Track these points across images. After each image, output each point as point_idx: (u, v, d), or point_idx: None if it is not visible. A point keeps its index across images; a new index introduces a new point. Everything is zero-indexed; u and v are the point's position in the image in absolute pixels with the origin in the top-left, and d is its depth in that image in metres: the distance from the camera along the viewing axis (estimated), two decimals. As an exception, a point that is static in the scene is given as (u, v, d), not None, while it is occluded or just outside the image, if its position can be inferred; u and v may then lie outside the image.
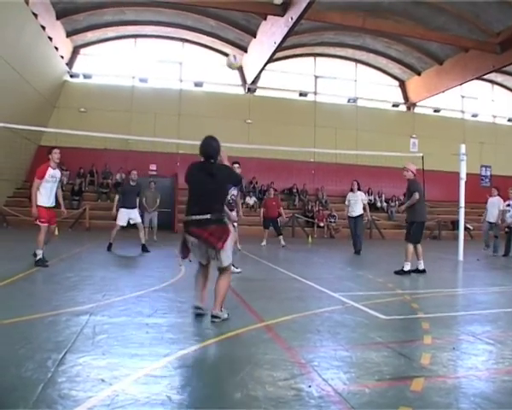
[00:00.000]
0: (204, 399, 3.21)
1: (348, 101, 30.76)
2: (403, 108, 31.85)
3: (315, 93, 30.36)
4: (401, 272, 9.94)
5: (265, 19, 22.47)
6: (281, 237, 17.13)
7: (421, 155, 17.13)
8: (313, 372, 3.74)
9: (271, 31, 22.14)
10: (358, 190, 14.98)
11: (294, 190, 27.38)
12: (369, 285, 8.77)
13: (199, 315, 5.47)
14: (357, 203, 14.75)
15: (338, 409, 3.10)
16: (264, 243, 17.12)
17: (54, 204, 9.77)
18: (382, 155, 20.57)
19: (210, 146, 5.65)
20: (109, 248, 12.77)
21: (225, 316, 5.45)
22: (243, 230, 16.76)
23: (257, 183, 27.35)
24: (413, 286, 8.82)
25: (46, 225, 9.43)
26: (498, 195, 16.02)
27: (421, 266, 10.29)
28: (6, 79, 18.72)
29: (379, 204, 28.34)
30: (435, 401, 3.26)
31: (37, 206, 9.35)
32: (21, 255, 10.44)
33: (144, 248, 12.93)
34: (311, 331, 5.06)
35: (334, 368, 3.88)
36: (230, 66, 7.98)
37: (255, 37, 24.93)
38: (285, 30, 20.41)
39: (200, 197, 5.47)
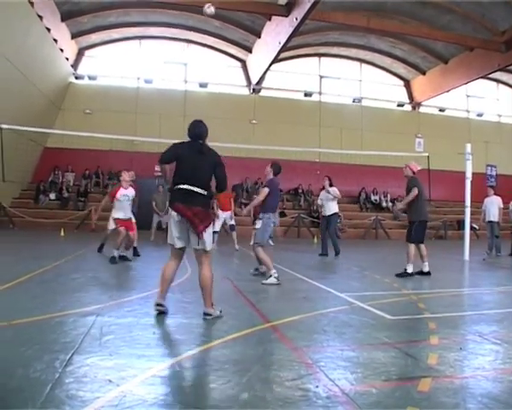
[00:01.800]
0: (211, 400, 3.21)
1: (353, 101, 30.72)
2: (408, 107, 31.79)
3: (320, 93, 30.35)
4: (404, 275, 9.67)
5: (270, 19, 22.48)
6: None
7: (427, 154, 17.13)
8: (320, 373, 3.74)
9: (276, 31, 22.15)
10: (331, 186, 14.04)
11: (300, 191, 27.38)
12: (375, 285, 8.76)
13: (161, 313, 5.46)
14: (329, 201, 13.98)
15: (345, 409, 3.10)
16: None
17: (129, 217, 11.26)
18: (387, 154, 20.53)
19: (199, 127, 5.75)
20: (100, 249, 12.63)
21: (217, 313, 5.45)
22: (248, 231, 16.67)
23: (262, 183, 27.30)
24: (419, 286, 8.78)
25: (124, 228, 10.79)
26: (495, 194, 15.87)
27: (426, 269, 9.96)
28: (12, 81, 18.79)
29: (384, 204, 28.31)
30: (442, 402, 3.25)
31: (114, 218, 11.09)
32: (27, 257, 10.48)
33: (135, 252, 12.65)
34: (318, 332, 5.05)
35: (341, 368, 3.88)
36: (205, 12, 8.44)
37: (260, 37, 24.95)
38: (290, 30, 20.40)
39: (191, 171, 5.47)
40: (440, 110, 31.94)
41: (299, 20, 19.27)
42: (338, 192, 13.93)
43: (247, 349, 4.34)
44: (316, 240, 19.88)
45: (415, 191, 9.73)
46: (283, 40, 21.53)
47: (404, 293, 7.73)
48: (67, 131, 20.85)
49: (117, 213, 11.04)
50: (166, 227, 14.21)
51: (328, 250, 13.66)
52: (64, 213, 22.86)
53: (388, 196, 28.62)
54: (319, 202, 14.63)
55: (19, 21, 17.85)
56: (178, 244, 5.52)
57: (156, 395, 3.21)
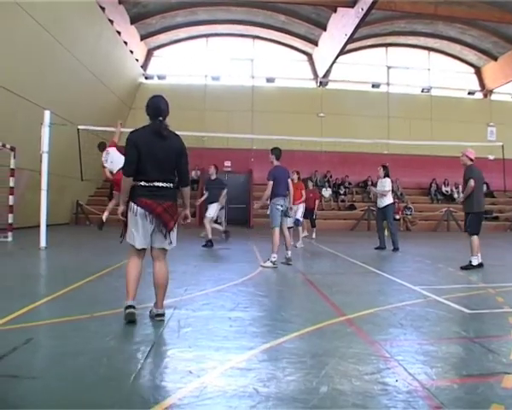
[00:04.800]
0: (290, 392, 3.20)
1: (422, 90, 29.97)
2: (479, 95, 30.66)
3: (387, 84, 29.81)
4: (469, 267, 9.35)
5: (335, 11, 22.26)
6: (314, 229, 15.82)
7: (501, 143, 16.53)
8: (399, 367, 3.68)
9: (342, 23, 21.90)
10: (386, 176, 13.61)
11: (369, 183, 27.02)
12: (450, 278, 8.55)
13: (133, 317, 4.81)
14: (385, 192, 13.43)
15: (427, 405, 3.03)
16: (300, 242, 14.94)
17: None
18: (458, 144, 19.95)
19: (161, 102, 5.09)
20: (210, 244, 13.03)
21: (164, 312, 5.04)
22: (318, 223, 16.56)
23: (331, 176, 27.21)
24: (497, 279, 8.49)
25: None
26: None
27: (475, 262, 9.48)
28: (86, 84, 19.46)
29: (456, 195, 27.48)
30: (529, 399, 3.11)
31: None
32: (105, 252, 10.82)
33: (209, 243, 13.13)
34: (394, 325, 4.98)
35: (420, 363, 3.80)
36: None
37: (325, 30, 24.75)
38: (356, 21, 20.12)
39: (154, 163, 4.80)
40: (514, 97, 30.70)
41: (364, 10, 18.98)
42: (387, 188, 13.40)
43: (323, 342, 4.32)
44: (386, 232, 19.53)
45: (471, 184, 9.38)
46: (349, 32, 21.26)
47: (481, 286, 7.50)
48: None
49: None
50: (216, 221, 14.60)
51: (387, 244, 13.34)
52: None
53: (460, 187, 27.77)
54: (373, 189, 14.21)
55: (91, 26, 18.45)
56: (140, 245, 4.92)
57: (236, 387, 3.24)
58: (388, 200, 13.40)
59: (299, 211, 14.62)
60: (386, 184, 13.43)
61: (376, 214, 14.51)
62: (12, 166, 13.60)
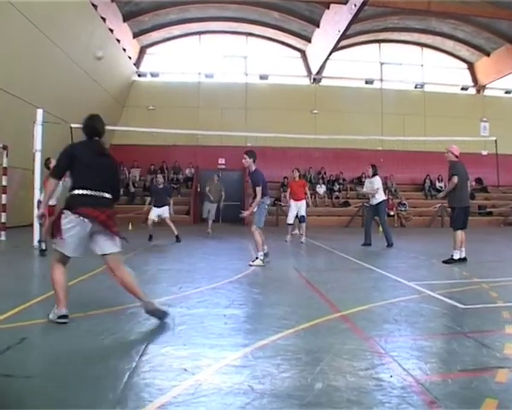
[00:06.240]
0: (285, 389, 3.21)
1: (415, 86, 30.00)
2: (472, 91, 30.73)
3: (381, 80, 29.84)
4: (451, 261, 9.46)
5: (328, 8, 22.28)
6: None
7: (495, 138, 16.59)
8: (393, 362, 3.69)
9: (335, 19, 21.91)
10: (374, 175, 13.49)
11: (363, 180, 26.97)
12: (444, 274, 8.58)
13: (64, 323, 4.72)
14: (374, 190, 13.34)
15: (421, 400, 3.04)
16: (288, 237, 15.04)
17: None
18: (452, 140, 20.00)
19: (99, 122, 5.26)
20: (151, 238, 13.94)
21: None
22: (312, 220, 16.58)
23: (325, 173, 27.22)
24: (490, 274, 8.48)
25: None
26: None
27: (456, 256, 9.58)
28: (78, 82, 19.42)
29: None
30: (523, 393, 3.12)
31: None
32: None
33: (177, 239, 13.90)
34: (389, 321, 4.98)
35: (415, 358, 3.82)
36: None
37: (319, 26, 24.76)
38: (349, 17, 20.14)
39: (94, 174, 4.90)
40: (506, 92, 30.68)
41: (357, 6, 18.99)
42: (376, 186, 13.34)
43: (318, 339, 4.33)
44: (380, 229, 19.56)
45: (454, 180, 9.48)
46: (342, 28, 21.28)
47: (474, 281, 7.50)
48: (132, 128, 21.37)
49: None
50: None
51: (380, 241, 13.40)
52: (131, 207, 23.41)
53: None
54: (364, 189, 14.15)
55: (83, 24, 18.39)
56: (74, 254, 4.89)
57: (231, 384, 3.25)
58: (381, 197, 13.38)
59: (303, 207, 14.68)
60: (374, 183, 13.41)
61: (368, 211, 14.42)
62: (4, 165, 13.59)
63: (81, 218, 4.75)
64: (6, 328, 4.52)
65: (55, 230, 4.77)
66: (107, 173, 5.05)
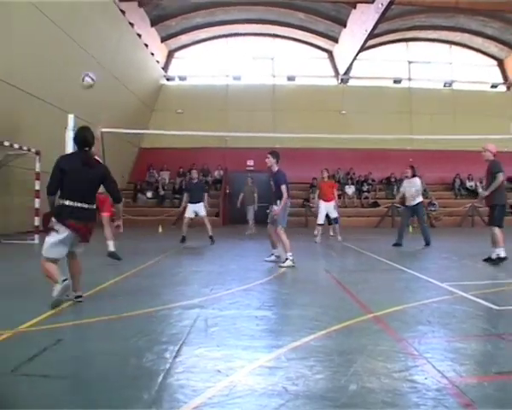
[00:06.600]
0: (319, 390, 3.19)
1: (444, 85, 29.64)
2: (502, 88, 30.27)
3: (409, 79, 29.60)
4: (497, 260, 9.23)
5: (355, 7, 22.22)
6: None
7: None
8: (427, 364, 3.63)
9: (362, 19, 21.83)
10: (413, 176, 13.54)
11: (392, 180, 26.81)
12: (477, 275, 8.45)
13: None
14: (412, 191, 13.33)
15: (457, 402, 2.98)
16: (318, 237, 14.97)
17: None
18: (482, 138, 19.69)
19: (87, 134, 5.70)
20: (183, 240, 13.72)
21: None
22: (343, 221, 16.47)
23: (354, 173, 27.08)
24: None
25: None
26: None
27: (495, 255, 9.37)
28: (107, 87, 19.62)
29: (480, 190, 27.04)
30: (562, 397, 3.06)
31: None
32: (131, 253, 10.90)
33: (211, 239, 13.80)
34: (422, 322, 4.92)
35: (449, 360, 3.75)
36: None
37: (345, 26, 24.70)
38: (376, 17, 20.05)
39: (79, 185, 5.51)
40: (539, 88, 30.20)
41: (384, 5, 18.88)
42: (419, 186, 13.48)
43: (350, 340, 4.30)
44: (411, 229, 19.39)
45: (500, 177, 9.32)
46: (370, 27, 21.18)
47: (508, 282, 7.37)
48: (161, 131, 21.54)
49: None
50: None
51: (411, 242, 13.32)
52: (161, 210, 23.67)
53: (484, 181, 27.30)
54: (401, 189, 14.00)
55: (112, 30, 18.66)
56: (59, 256, 5.61)
57: (265, 385, 3.24)
58: (419, 198, 13.41)
59: (333, 209, 14.88)
60: (417, 184, 13.43)
61: (403, 212, 14.39)
62: (37, 170, 13.80)
63: (68, 229, 5.45)
64: (42, 329, 4.59)
65: (45, 223, 5.79)
66: (92, 185, 5.67)
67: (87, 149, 5.64)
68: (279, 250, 9.82)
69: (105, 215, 9.43)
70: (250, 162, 26.17)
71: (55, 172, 5.57)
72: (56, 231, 5.46)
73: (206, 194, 14.63)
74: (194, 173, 15.01)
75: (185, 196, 14.52)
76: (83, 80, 8.41)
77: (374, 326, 4.79)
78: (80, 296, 5.75)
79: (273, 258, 9.81)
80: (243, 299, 6.09)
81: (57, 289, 5.34)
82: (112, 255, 9.44)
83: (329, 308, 5.58)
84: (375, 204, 25.54)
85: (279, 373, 3.47)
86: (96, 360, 3.83)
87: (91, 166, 5.65)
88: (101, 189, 7.76)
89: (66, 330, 4.73)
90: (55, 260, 5.56)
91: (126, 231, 11.68)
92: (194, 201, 14.04)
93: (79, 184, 5.49)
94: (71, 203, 5.44)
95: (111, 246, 9.48)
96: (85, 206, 5.52)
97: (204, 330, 4.60)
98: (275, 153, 9.69)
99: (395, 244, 13.16)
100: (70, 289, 5.61)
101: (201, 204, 14.10)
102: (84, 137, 5.65)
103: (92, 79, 8.27)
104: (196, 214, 14.03)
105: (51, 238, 5.51)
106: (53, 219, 5.49)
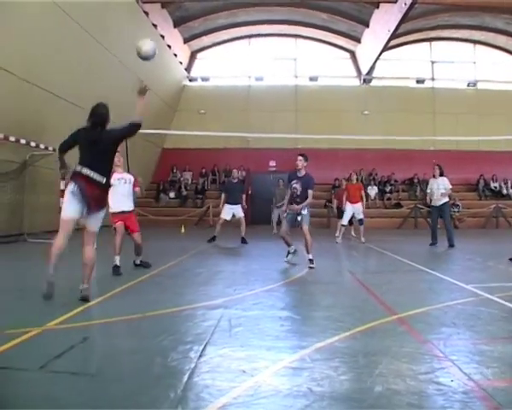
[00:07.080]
0: (345, 391, 3.19)
1: (468, 85, 29.25)
2: (527, 87, 29.81)
3: (432, 79, 29.25)
4: None
5: (378, 7, 22.01)
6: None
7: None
8: (453, 366, 3.60)
9: (384, 19, 21.64)
10: (441, 175, 13.62)
11: (415, 181, 26.61)
12: (502, 276, 8.35)
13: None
14: (440, 190, 13.47)
15: (484, 406, 2.95)
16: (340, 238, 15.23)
17: (129, 209, 8.93)
18: (507, 139, 19.46)
19: (99, 111, 5.95)
20: (213, 239, 13.69)
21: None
22: (365, 222, 16.40)
23: (376, 174, 26.93)
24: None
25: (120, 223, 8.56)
26: None
27: None
28: (132, 89, 19.77)
29: (505, 191, 26.75)
30: None
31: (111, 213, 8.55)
32: (154, 253, 10.95)
33: (243, 241, 13.73)
34: (446, 324, 4.89)
35: (475, 362, 3.72)
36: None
37: (368, 26, 24.51)
38: (399, 16, 19.85)
39: (90, 157, 5.68)
40: None
41: (408, 5, 18.67)
42: (448, 185, 13.54)
43: (375, 342, 4.29)
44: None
45: None
46: (392, 27, 20.98)
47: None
48: (183, 132, 21.64)
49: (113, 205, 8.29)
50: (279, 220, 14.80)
51: (442, 242, 13.31)
52: (183, 210, 23.80)
53: (509, 182, 26.99)
54: (428, 190, 14.15)
55: (135, 31, 18.74)
56: (72, 214, 5.64)
57: (290, 386, 3.24)
58: (445, 198, 13.52)
59: (360, 210, 14.96)
60: (446, 183, 13.50)
61: (432, 212, 14.43)
62: (63, 171, 13.94)
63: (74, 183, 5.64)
64: (69, 327, 4.65)
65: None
66: (103, 156, 5.80)
67: (100, 128, 5.84)
68: (293, 246, 9.74)
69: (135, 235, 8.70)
70: (272, 163, 26.14)
71: (70, 138, 5.96)
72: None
73: (243, 194, 14.47)
74: (235, 173, 14.67)
75: (223, 196, 14.16)
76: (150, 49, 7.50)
77: (398, 328, 4.77)
78: (86, 289, 5.70)
79: (290, 257, 9.68)
80: (267, 300, 6.10)
81: (47, 274, 5.49)
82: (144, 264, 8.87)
83: (353, 309, 5.58)
84: (398, 205, 25.38)
85: (304, 374, 3.47)
86: (122, 359, 3.88)
87: (102, 141, 5.77)
88: (130, 206, 7.97)
89: (92, 328, 4.80)
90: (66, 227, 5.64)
91: (149, 231, 11.77)
92: (232, 202, 13.80)
93: (90, 154, 5.70)
94: (83, 171, 5.63)
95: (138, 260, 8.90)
96: (94, 176, 5.62)
97: (228, 331, 4.61)
98: (305, 155, 9.54)
99: (432, 244, 13.46)
100: (53, 286, 5.47)
101: (239, 206, 13.91)
102: (99, 118, 5.91)
103: (152, 56, 7.33)
104: (234, 216, 13.83)
105: (65, 198, 5.75)
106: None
